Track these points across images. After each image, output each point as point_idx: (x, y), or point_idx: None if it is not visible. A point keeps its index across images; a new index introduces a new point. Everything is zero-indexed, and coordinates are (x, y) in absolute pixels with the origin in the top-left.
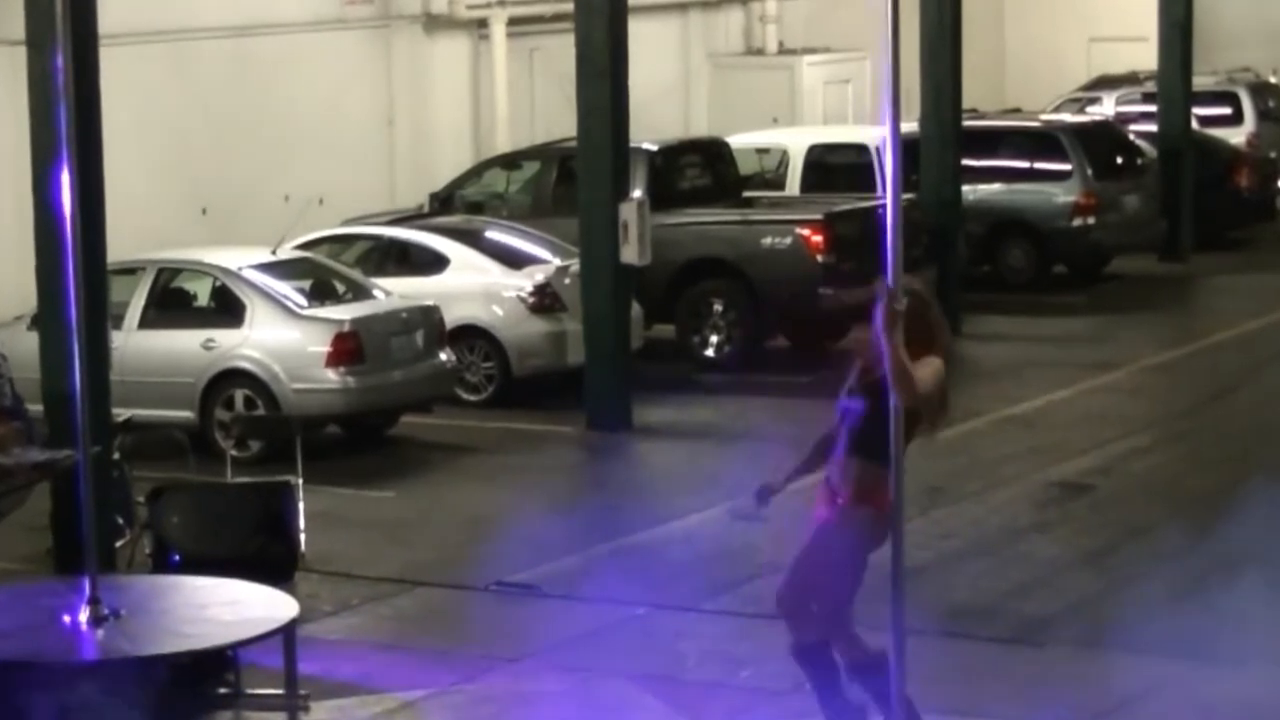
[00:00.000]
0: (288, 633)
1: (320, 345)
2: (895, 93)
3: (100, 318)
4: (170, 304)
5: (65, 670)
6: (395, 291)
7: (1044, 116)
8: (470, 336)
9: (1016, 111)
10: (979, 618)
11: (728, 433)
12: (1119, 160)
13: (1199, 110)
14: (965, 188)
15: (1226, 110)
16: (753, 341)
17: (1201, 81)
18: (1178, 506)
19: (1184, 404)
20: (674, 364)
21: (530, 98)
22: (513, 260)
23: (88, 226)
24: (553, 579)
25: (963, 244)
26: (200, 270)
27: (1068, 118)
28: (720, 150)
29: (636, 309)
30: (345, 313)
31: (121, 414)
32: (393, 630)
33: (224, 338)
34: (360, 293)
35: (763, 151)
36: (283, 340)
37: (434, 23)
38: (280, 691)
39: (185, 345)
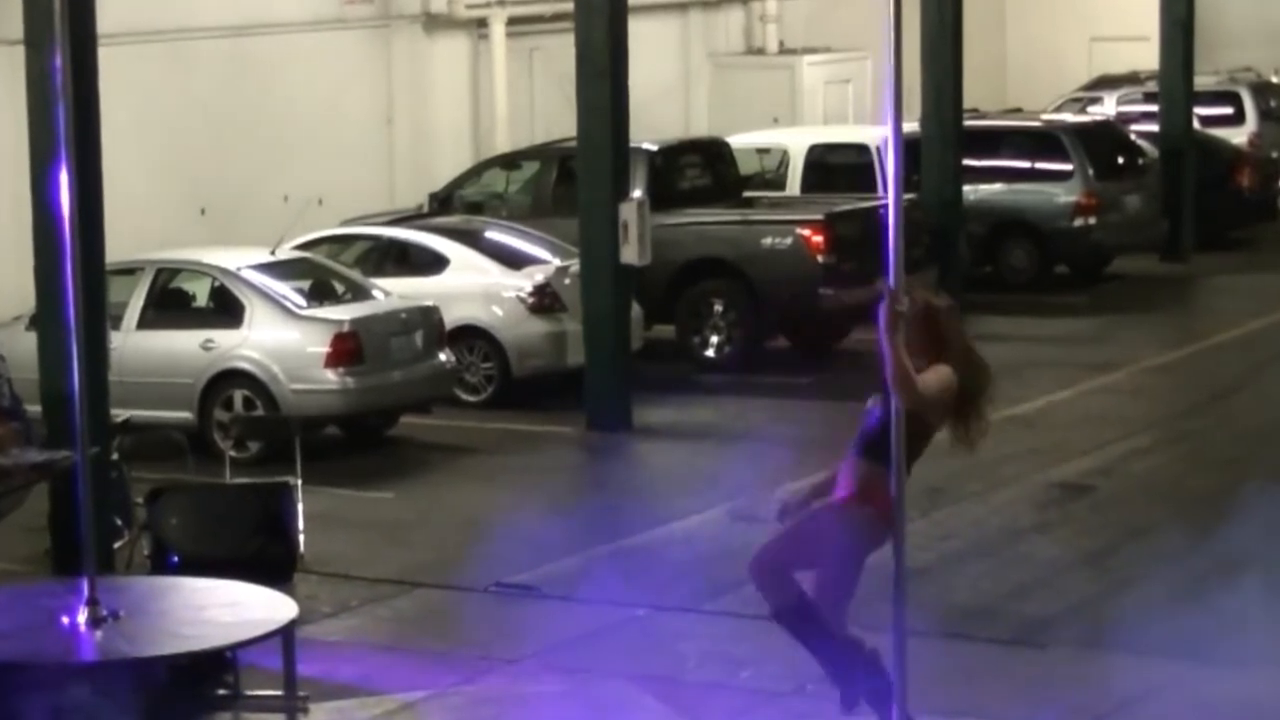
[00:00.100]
0: (287, 634)
1: (319, 346)
2: (897, 92)
3: (99, 318)
4: (169, 304)
5: (64, 671)
6: (394, 292)
7: (1045, 116)
8: (470, 337)
9: (1017, 111)
10: (979, 619)
11: (728, 433)
12: (1120, 160)
13: (1200, 110)
14: (966, 188)
15: (1228, 110)
16: (753, 342)
17: (1203, 81)
18: (1179, 507)
19: (1185, 405)
20: (674, 364)
21: (530, 97)
22: (512, 260)
23: (86, 227)
24: (552, 580)
25: (964, 244)
26: (199, 270)
27: (1069, 117)
28: (720, 150)
29: (636, 309)
30: (344, 313)
31: (120, 415)
32: (392, 631)
33: (223, 338)
34: (359, 293)
35: (763, 151)
36: (282, 341)
37: (433, 22)
38: (279, 693)
39: (184, 346)
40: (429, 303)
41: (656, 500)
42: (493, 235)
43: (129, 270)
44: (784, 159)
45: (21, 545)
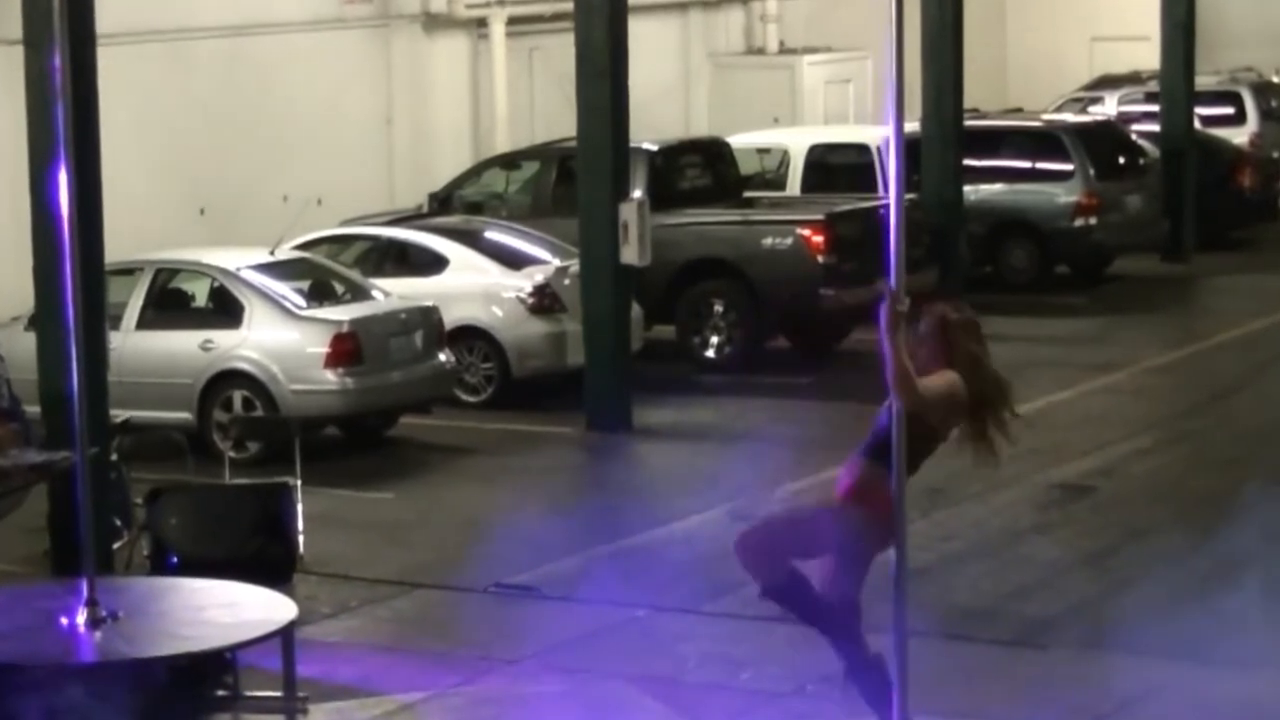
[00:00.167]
0: (286, 635)
1: (319, 346)
2: (899, 92)
3: (98, 318)
4: (168, 305)
5: (63, 672)
6: (394, 292)
7: (1046, 116)
8: (469, 337)
9: (1018, 111)
10: (980, 619)
11: (728, 434)
12: (1121, 160)
13: (1201, 110)
14: (967, 188)
15: (1229, 110)
16: (753, 342)
17: (1204, 81)
18: (1179, 508)
19: (1186, 405)
20: (674, 365)
21: (530, 97)
22: (512, 261)
23: (85, 227)
24: (552, 580)
25: (964, 244)
26: (198, 271)
27: (1069, 117)
28: (721, 150)
29: (636, 310)
30: (344, 313)
31: (119, 415)
32: (391, 632)
33: (222, 338)
34: (359, 293)
35: (763, 151)
36: (281, 341)
37: (433, 22)
38: (279, 694)
39: (183, 346)
40: (429, 303)
41: (656, 501)
42: (492, 235)
43: (128, 270)
44: (784, 159)
45: (20, 546)
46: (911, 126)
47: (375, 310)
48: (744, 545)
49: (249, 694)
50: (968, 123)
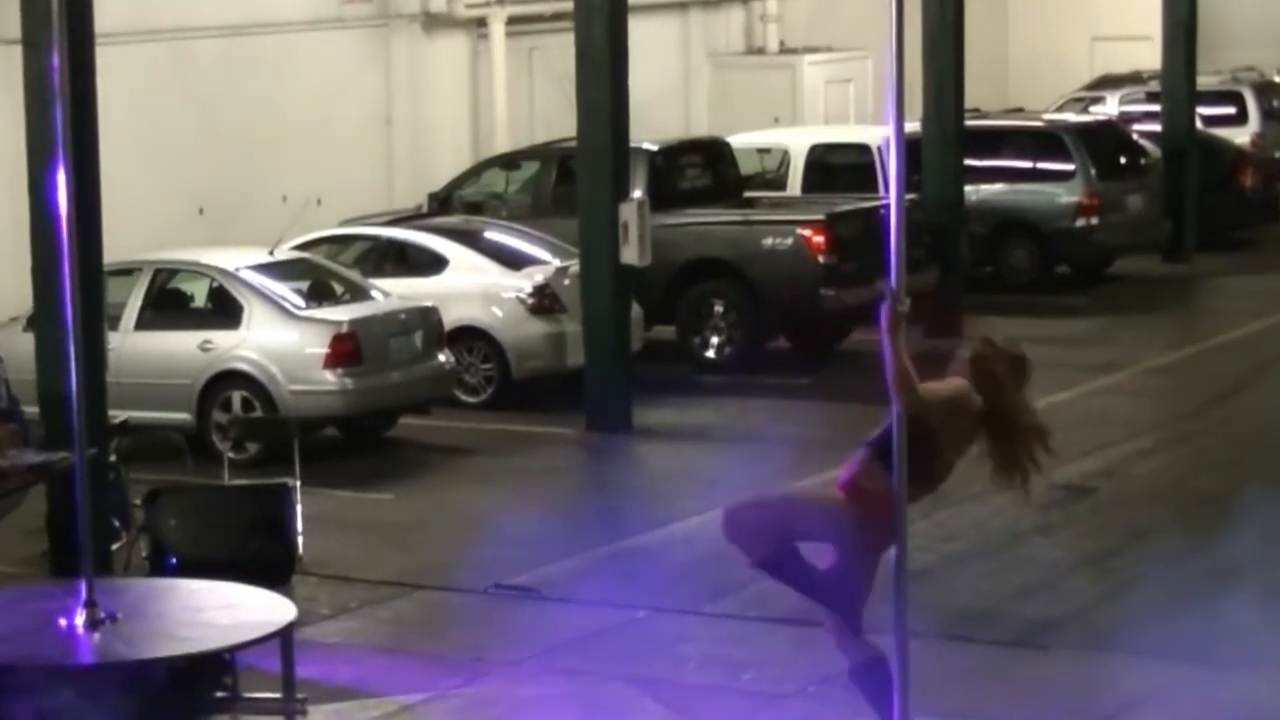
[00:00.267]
0: (285, 636)
1: (318, 346)
2: (899, 92)
3: (96, 319)
4: (167, 305)
5: (61, 674)
6: (393, 292)
7: (1047, 116)
8: (469, 338)
9: (1019, 111)
10: (981, 620)
11: (728, 434)
12: (1122, 160)
13: (1203, 110)
14: (968, 188)
15: (1231, 110)
16: (753, 343)
17: (1205, 81)
18: (1181, 509)
19: (1187, 406)
20: (674, 365)
21: (530, 97)
22: (512, 261)
23: (84, 227)
24: (552, 582)
25: (965, 244)
26: (197, 271)
27: (1071, 117)
28: (721, 150)
29: (636, 310)
30: (343, 314)
31: (118, 416)
32: (391, 633)
33: (221, 339)
34: (358, 294)
35: (764, 151)
36: (280, 341)
37: (433, 22)
38: (278, 695)
39: (182, 346)
40: (428, 303)
41: (656, 501)
42: (492, 236)
43: (127, 271)
44: (785, 159)
45: (19, 547)
46: (912, 126)
47: (375, 311)
48: (730, 519)
49: (248, 695)
50: (968, 122)
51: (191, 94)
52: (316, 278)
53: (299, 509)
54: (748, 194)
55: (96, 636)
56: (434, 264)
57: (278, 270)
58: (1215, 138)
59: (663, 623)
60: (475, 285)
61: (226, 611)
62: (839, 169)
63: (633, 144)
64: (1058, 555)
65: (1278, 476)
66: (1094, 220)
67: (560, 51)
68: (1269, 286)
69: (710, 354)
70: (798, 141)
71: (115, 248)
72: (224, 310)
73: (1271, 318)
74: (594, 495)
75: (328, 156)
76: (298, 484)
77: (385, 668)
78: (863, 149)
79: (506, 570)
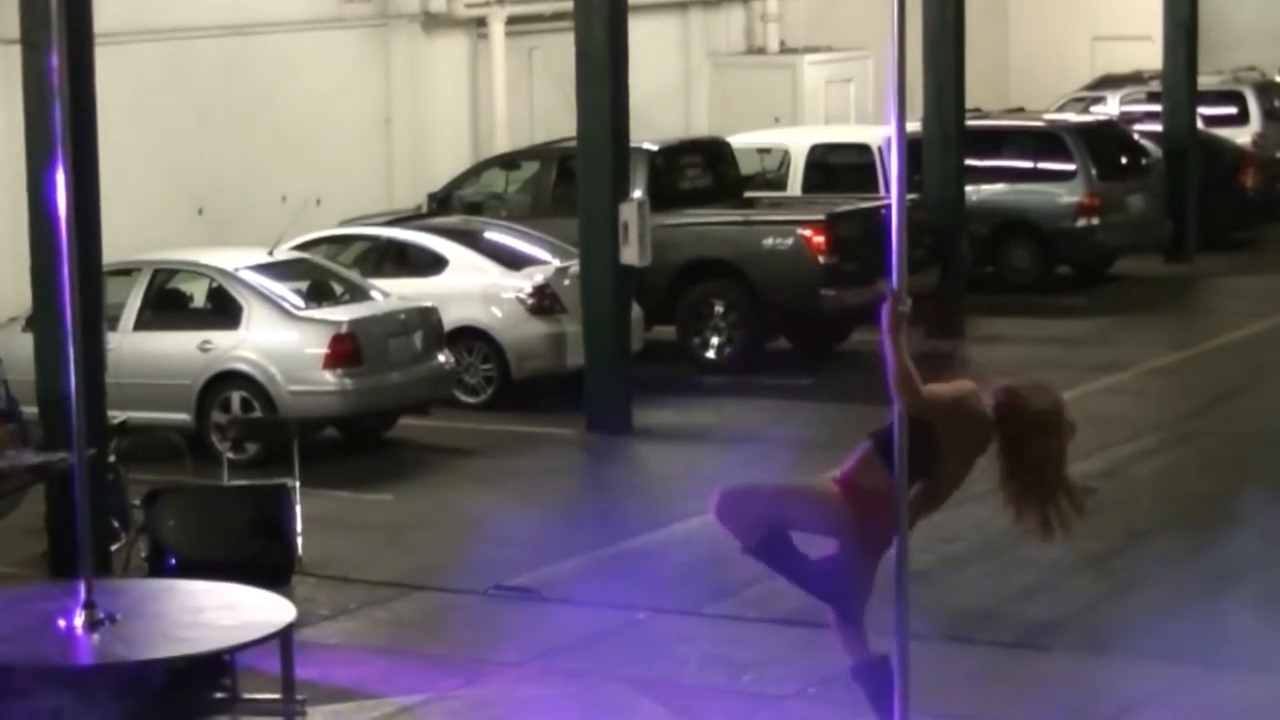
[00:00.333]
0: (285, 637)
1: (318, 347)
2: (901, 92)
3: (95, 319)
4: (166, 305)
5: (60, 675)
6: (393, 293)
7: (1048, 116)
8: (469, 338)
9: (1020, 111)
10: (981, 621)
11: (728, 435)
12: (1123, 160)
13: (1204, 110)
14: (968, 188)
15: (1232, 110)
16: (754, 343)
17: (1206, 81)
18: (1183, 510)
19: (1189, 407)
20: (674, 366)
21: (529, 97)
22: (512, 261)
23: (83, 227)
24: (552, 583)
25: (966, 245)
26: (196, 271)
27: (1072, 117)
28: (721, 150)
29: (637, 310)
30: (343, 314)
31: (117, 416)
32: (391, 634)
33: (220, 339)
34: (358, 294)
35: (764, 151)
36: (280, 342)
37: (432, 21)
38: (277, 696)
39: (181, 347)
40: (428, 304)
41: (656, 502)
42: (492, 236)
43: (126, 271)
44: (785, 159)
45: (18, 547)
46: (913, 126)
47: (374, 311)
48: (723, 501)
49: (247, 696)
50: (969, 123)
51: (191, 94)
52: (316, 278)
53: (298, 510)
54: (748, 194)
55: (95, 637)
56: (434, 264)
57: (277, 270)
58: (1216, 138)
59: (663, 624)
60: (475, 285)
61: (226, 612)
62: (839, 169)
63: (633, 144)
64: (1058, 556)
65: (1279, 477)
66: (1095, 220)
67: (560, 51)
68: (1270, 287)
69: (710, 354)
70: (798, 141)
71: (114, 248)
72: (223, 310)
73: (1273, 318)
74: (594, 496)
75: (327, 156)
76: (297, 485)
77: (385, 669)
78: (863, 149)
79: (506, 571)
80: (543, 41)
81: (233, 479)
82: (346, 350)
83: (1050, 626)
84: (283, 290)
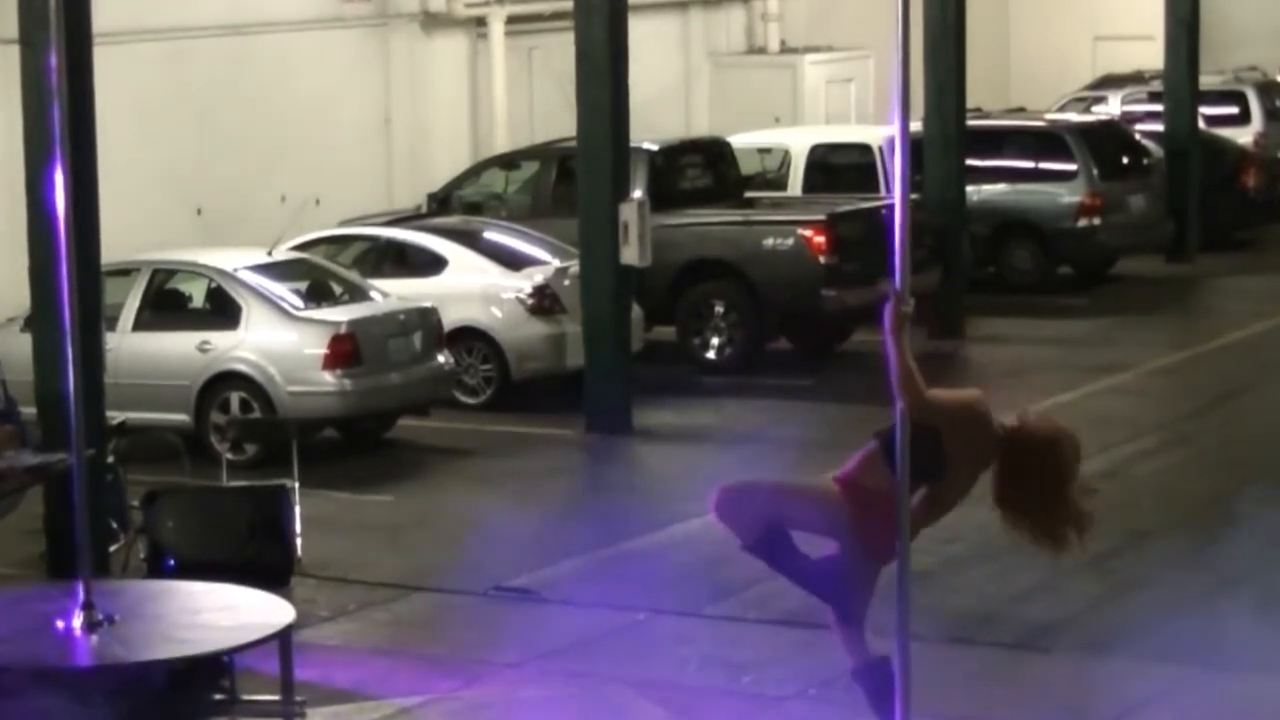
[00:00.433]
0: (284, 638)
1: (317, 347)
2: (904, 92)
3: (94, 319)
4: (165, 305)
5: (58, 676)
6: (392, 293)
7: (1049, 116)
8: (468, 338)
9: (1021, 111)
10: (982, 623)
11: (729, 436)
12: (1125, 160)
13: (1205, 110)
14: (969, 188)
15: (1233, 110)
16: (754, 344)
17: (1208, 81)
18: (1184, 511)
19: (1190, 407)
20: (674, 366)
21: (529, 97)
22: (511, 261)
23: (81, 227)
24: (552, 584)
25: (967, 245)
26: (195, 271)
27: (1073, 117)
28: (721, 150)
29: (637, 311)
30: (342, 314)
31: (116, 417)
32: (390, 635)
33: (219, 340)
34: (357, 294)
35: (764, 151)
36: (279, 342)
37: (432, 21)
38: (276, 698)
39: (180, 347)
40: (427, 304)
41: (657, 503)
42: (491, 236)
43: (125, 271)
44: (785, 159)
45: (17, 548)
46: (914, 126)
47: (374, 311)
48: (722, 498)
49: (246, 698)
50: (970, 122)
51: (190, 94)
52: (315, 278)
53: (297, 510)
54: (748, 194)
55: (94, 638)
56: (433, 264)
57: (276, 271)
58: (1218, 138)
59: (663, 625)
60: (475, 286)
61: (225, 613)
62: (840, 169)
63: (633, 144)
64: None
65: None
66: (1096, 220)
67: (560, 51)
68: (1272, 287)
69: (711, 355)
70: (799, 141)
71: (113, 248)
72: (222, 311)
73: (1274, 319)
74: (594, 497)
75: (326, 156)
76: (296, 485)
77: (384, 670)
78: (864, 149)
79: (506, 572)
80: (542, 41)
81: (232, 480)
82: (346, 351)
83: (1051, 628)
84: (282, 291)
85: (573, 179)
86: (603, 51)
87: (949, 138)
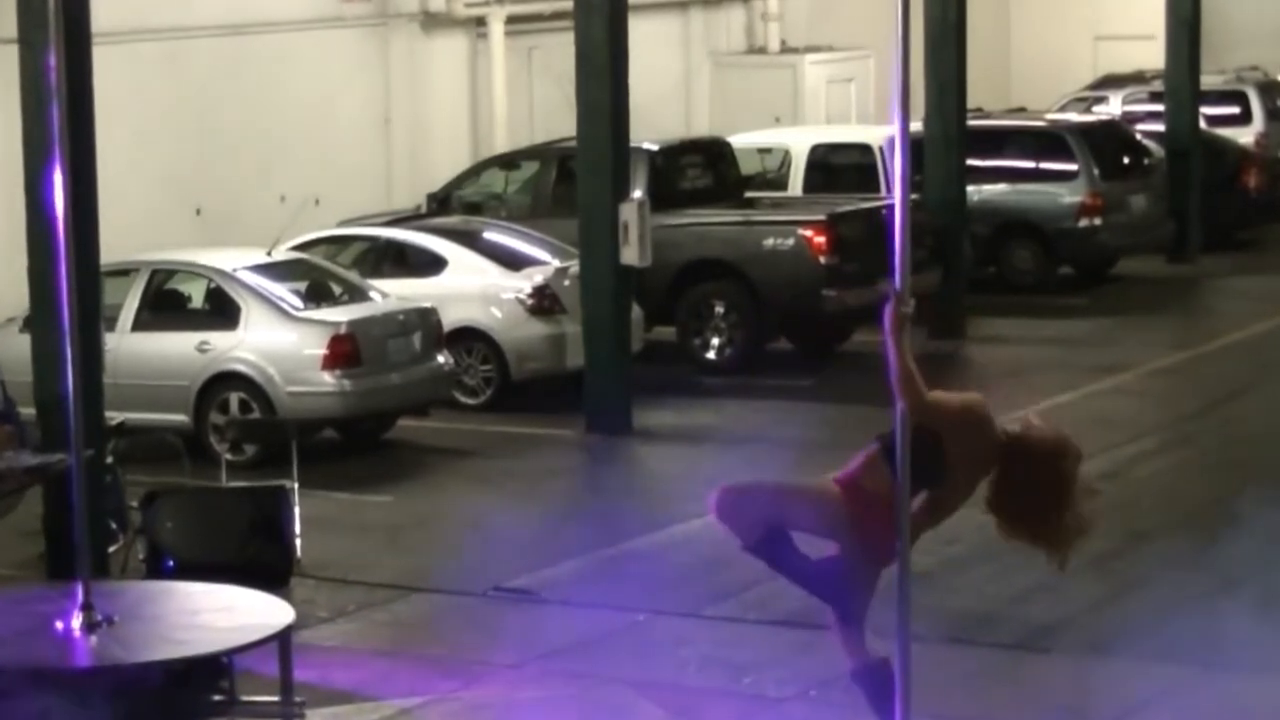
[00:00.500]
0: (283, 639)
1: (316, 348)
2: (905, 92)
3: (93, 320)
4: (164, 306)
5: (57, 677)
6: (392, 293)
7: (1050, 116)
8: (468, 339)
9: (1022, 111)
10: (982, 623)
11: (729, 436)
12: (1126, 160)
13: (1207, 110)
14: (970, 188)
15: (1234, 109)
16: (754, 344)
17: (1209, 80)
18: (1184, 511)
19: (1191, 408)
20: (674, 366)
21: (529, 97)
22: (511, 261)
23: (80, 227)
24: (551, 584)
25: (967, 245)
26: (194, 272)
27: (1074, 117)
28: (722, 150)
29: (637, 311)
30: (341, 315)
31: (115, 417)
32: (389, 636)
33: (219, 340)
34: (357, 294)
35: (765, 151)
36: (278, 343)
37: (432, 21)
38: (276, 699)
39: (179, 348)
40: (427, 304)
41: (657, 504)
42: (491, 236)
43: (124, 271)
44: (786, 159)
45: (16, 549)
46: (914, 126)
47: (373, 312)
48: (722, 499)
49: (245, 699)
50: (971, 122)
51: (189, 93)
52: (315, 278)
53: (297, 511)
54: (748, 194)
55: (93, 639)
56: (433, 265)
57: (276, 271)
58: (1219, 138)
59: (663, 626)
60: (474, 286)
61: (224, 614)
62: (840, 169)
63: (633, 144)
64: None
65: None
66: (1097, 221)
67: (560, 51)
68: (1273, 287)
69: (711, 355)
70: (799, 141)
71: (112, 248)
72: (221, 311)
73: (1275, 319)
74: (594, 497)
75: (326, 156)
76: (296, 486)
77: (383, 671)
78: (864, 149)
79: (505, 573)
80: (542, 41)
81: (231, 480)
82: (345, 351)
83: (1051, 628)
84: (281, 291)
85: (573, 179)
86: (603, 51)
87: (949, 138)
